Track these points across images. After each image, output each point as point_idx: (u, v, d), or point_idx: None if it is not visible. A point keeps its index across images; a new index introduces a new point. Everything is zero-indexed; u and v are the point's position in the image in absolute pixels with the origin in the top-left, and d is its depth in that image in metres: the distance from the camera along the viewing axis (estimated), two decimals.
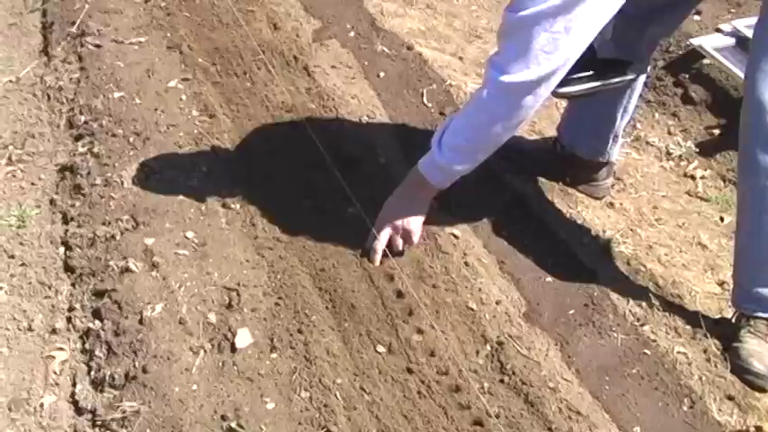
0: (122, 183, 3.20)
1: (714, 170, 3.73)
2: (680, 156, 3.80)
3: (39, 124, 3.70)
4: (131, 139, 3.40)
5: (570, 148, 3.41)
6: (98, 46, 4.03)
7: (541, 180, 3.44)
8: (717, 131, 3.88)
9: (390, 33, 4.35)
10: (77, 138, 3.54)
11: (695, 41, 4.12)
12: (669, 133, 3.95)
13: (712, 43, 4.09)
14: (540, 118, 3.86)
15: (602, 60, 2.88)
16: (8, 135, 3.62)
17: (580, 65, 2.66)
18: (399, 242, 2.96)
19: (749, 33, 3.18)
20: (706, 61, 4.07)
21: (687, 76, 4.10)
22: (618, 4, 2.49)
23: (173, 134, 3.45)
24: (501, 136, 2.76)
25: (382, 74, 4.01)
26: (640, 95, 3.78)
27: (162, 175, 3.23)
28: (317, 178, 3.23)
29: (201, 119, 3.57)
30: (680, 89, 4.09)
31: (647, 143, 3.88)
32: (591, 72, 2.83)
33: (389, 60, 4.11)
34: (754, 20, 2.74)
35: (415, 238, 2.95)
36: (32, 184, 3.39)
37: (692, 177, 3.70)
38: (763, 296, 2.78)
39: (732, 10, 4.33)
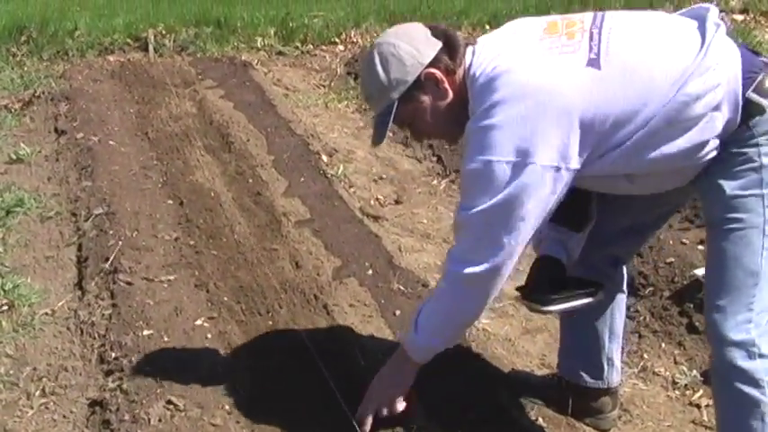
0: (149, 420, 3.28)
1: None
2: (686, 385, 3.87)
3: (71, 357, 3.86)
4: (158, 378, 3.51)
5: (569, 379, 3.53)
6: (129, 283, 4.22)
7: (549, 414, 3.51)
8: None
9: (406, 271, 4.48)
10: (108, 373, 3.67)
11: (698, 272, 4.21)
12: (675, 362, 4.02)
13: None
14: (550, 352, 3.99)
15: (576, 279, 3.13)
16: (42, 367, 3.78)
17: (556, 285, 3.01)
18: (385, 410, 3.13)
19: None
20: None
21: (692, 305, 4.18)
22: (552, 205, 2.73)
23: (197, 372, 3.56)
24: (466, 319, 3.06)
25: (398, 312, 4.12)
26: (646, 325, 3.94)
27: (186, 413, 3.32)
28: (333, 419, 3.30)
29: (225, 358, 3.69)
30: (685, 318, 4.18)
31: (654, 373, 3.96)
32: (567, 291, 3.07)
33: (405, 298, 4.24)
34: None
35: (400, 406, 3.13)
36: (64, 416, 3.51)
37: (698, 406, 3.76)
38: None
39: None
